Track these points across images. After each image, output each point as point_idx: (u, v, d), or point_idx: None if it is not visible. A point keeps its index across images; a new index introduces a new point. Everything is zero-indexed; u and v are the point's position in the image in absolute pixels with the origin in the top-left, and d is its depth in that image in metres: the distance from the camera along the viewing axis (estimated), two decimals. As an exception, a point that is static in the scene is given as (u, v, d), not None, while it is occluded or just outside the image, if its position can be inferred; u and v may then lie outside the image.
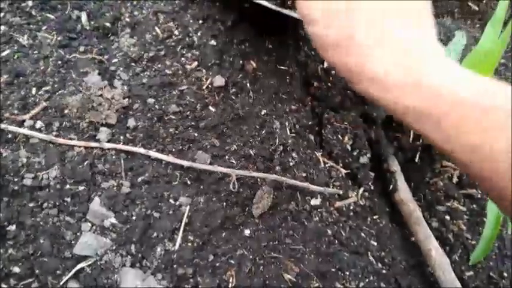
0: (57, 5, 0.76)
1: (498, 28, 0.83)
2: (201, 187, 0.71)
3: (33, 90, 0.69)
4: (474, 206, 0.93)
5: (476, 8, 1.02)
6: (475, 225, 0.92)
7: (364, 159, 0.91)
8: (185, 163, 0.69)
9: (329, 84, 0.92)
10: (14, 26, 0.73)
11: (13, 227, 0.61)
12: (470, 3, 1.02)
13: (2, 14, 0.74)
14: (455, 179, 0.96)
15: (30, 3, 0.75)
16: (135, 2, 0.77)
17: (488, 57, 0.85)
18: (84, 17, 0.75)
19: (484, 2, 1.01)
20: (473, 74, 0.42)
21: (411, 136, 0.97)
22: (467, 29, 1.01)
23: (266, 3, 0.75)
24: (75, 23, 0.75)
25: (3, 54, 0.71)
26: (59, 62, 0.72)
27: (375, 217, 0.88)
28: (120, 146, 0.67)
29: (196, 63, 0.77)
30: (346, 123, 0.92)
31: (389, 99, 0.43)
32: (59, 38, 0.73)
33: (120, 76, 0.72)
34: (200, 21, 0.79)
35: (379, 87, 0.44)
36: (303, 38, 0.92)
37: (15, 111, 0.66)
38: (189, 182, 0.70)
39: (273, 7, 0.75)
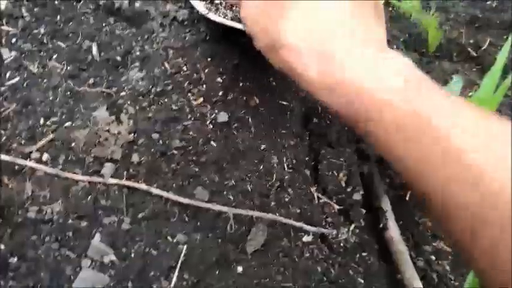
0: (69, 33, 0.77)
1: (497, 78, 0.86)
2: (198, 224, 0.73)
3: (41, 121, 0.70)
4: (459, 247, 0.96)
5: (475, 54, 1.05)
6: (459, 266, 0.95)
7: (357, 196, 0.94)
8: (184, 200, 0.71)
9: (328, 121, 0.94)
10: (25, 52, 0.75)
11: (15, 259, 0.62)
12: (469, 49, 1.05)
13: (14, 40, 0.75)
14: (443, 220, 0.99)
15: (42, 30, 0.77)
16: (146, 37, 0.79)
17: (486, 105, 0.87)
18: (95, 48, 0.77)
19: (483, 48, 1.04)
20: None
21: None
22: (464, 73, 1.03)
23: None
24: (86, 54, 0.76)
25: (13, 81, 0.72)
26: (68, 93, 0.73)
27: (363, 254, 0.91)
28: (123, 182, 0.69)
29: (202, 99, 0.79)
30: (341, 159, 0.94)
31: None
32: (69, 68, 0.75)
33: (127, 110, 0.74)
34: (208, 59, 0.81)
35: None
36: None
37: (23, 142, 0.68)
38: (187, 219, 0.72)
39: None
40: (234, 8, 0.77)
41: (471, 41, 1.05)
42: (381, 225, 0.96)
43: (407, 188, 1.02)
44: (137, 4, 0.79)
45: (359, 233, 0.94)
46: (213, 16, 0.74)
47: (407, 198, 1.02)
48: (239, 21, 0.76)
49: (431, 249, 0.97)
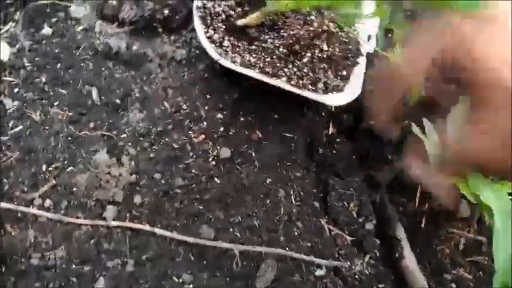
0: (69, 80, 0.79)
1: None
2: (204, 262, 0.71)
3: (44, 167, 0.71)
4: (480, 273, 0.92)
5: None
6: (482, 294, 0.91)
7: (369, 226, 0.91)
8: (189, 239, 0.70)
9: (334, 151, 0.93)
10: (28, 101, 0.76)
11: (19, 308, 0.62)
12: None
13: (16, 90, 0.77)
14: (461, 246, 0.96)
15: (43, 78, 0.78)
16: (145, 78, 0.80)
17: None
18: (95, 92, 0.78)
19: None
20: None
21: (417, 201, 0.97)
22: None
23: (280, 84, 0.78)
24: (86, 99, 0.78)
25: (16, 130, 0.73)
26: (69, 138, 0.74)
27: (380, 286, 0.88)
28: (126, 224, 0.68)
29: (203, 136, 0.79)
30: (351, 189, 0.92)
31: None
32: (70, 114, 0.76)
33: (128, 151, 0.74)
34: (208, 96, 0.81)
35: None
36: (307, 104, 0.93)
37: (25, 189, 0.69)
38: (192, 258, 0.71)
39: (287, 87, 0.78)
40: (240, 52, 0.78)
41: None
42: (397, 255, 0.93)
43: (422, 215, 1.00)
44: (135, 47, 0.81)
45: (374, 264, 0.91)
46: (225, 62, 0.75)
47: (422, 226, 0.99)
48: (247, 66, 0.77)
49: (451, 277, 0.94)
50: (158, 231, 0.70)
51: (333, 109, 0.97)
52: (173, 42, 0.83)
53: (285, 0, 0.71)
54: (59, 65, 0.79)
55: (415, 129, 0.99)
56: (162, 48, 0.82)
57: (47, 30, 0.82)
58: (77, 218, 0.68)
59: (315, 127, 0.94)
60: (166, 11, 0.80)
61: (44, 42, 0.82)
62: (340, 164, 0.94)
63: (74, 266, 0.65)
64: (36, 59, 0.80)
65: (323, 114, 0.96)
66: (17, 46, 0.81)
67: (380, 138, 0.93)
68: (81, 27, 0.81)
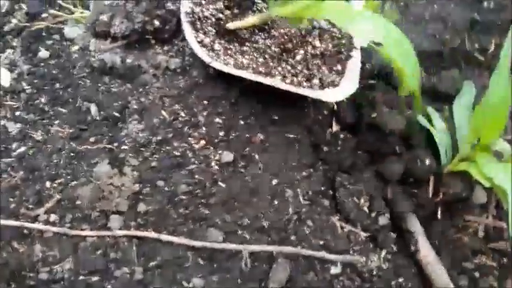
0: (68, 98, 0.80)
1: (505, 74, 0.83)
2: (214, 266, 0.71)
3: (47, 184, 0.72)
4: (504, 260, 0.89)
5: (482, 59, 1.02)
6: (506, 280, 0.88)
7: (383, 220, 0.90)
8: (196, 243, 0.70)
9: (338, 147, 0.92)
10: (29, 123, 0.78)
11: (29, 324, 0.62)
12: (476, 54, 1.02)
13: (18, 113, 0.79)
14: (481, 233, 0.93)
15: (43, 99, 0.80)
16: (141, 90, 0.81)
17: (501, 104, 0.84)
18: (93, 108, 0.79)
19: (490, 51, 1.01)
20: None
21: (430, 191, 0.95)
22: (475, 79, 1.00)
23: (275, 83, 0.78)
24: (85, 115, 0.79)
25: (19, 151, 0.75)
26: (71, 154, 0.75)
27: (400, 280, 0.85)
28: (132, 232, 0.68)
29: (203, 141, 0.79)
30: (360, 184, 0.91)
31: None
32: (70, 131, 0.77)
33: (130, 162, 0.74)
34: (205, 101, 0.81)
35: None
36: (308, 104, 0.93)
37: (30, 206, 0.69)
38: (201, 262, 0.70)
39: (282, 86, 0.78)
40: (232, 54, 0.79)
41: (476, 46, 1.03)
42: (412, 249, 0.91)
43: (437, 205, 0.97)
44: (129, 60, 0.82)
45: (391, 259, 0.89)
46: (217, 65, 0.75)
47: (438, 216, 0.97)
48: (240, 68, 0.78)
49: (473, 266, 0.91)
50: (164, 237, 0.69)
51: (334, 106, 0.97)
52: (166, 52, 0.84)
53: (290, 6, 0.70)
54: (57, 85, 0.81)
55: (421, 118, 0.98)
56: (156, 58, 0.83)
57: (43, 53, 0.84)
58: (82, 230, 0.68)
59: (317, 125, 0.93)
60: (156, 22, 0.82)
61: (41, 64, 0.84)
62: (347, 160, 0.93)
63: (81, 277, 0.65)
64: (35, 81, 0.82)
65: (325, 112, 0.96)
66: (17, 71, 0.83)
67: (384, 131, 0.92)
68: (76, 47, 0.83)
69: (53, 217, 0.69)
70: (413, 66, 0.65)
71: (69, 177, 0.73)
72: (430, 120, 0.97)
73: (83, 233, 0.67)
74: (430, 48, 1.01)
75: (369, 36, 0.77)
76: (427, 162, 0.94)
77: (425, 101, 1.00)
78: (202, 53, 0.75)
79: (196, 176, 0.76)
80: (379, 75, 1.00)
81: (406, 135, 0.98)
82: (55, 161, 0.74)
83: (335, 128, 0.96)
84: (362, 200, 0.90)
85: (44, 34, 0.87)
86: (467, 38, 1.03)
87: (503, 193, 0.79)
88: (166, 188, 0.74)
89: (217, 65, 0.75)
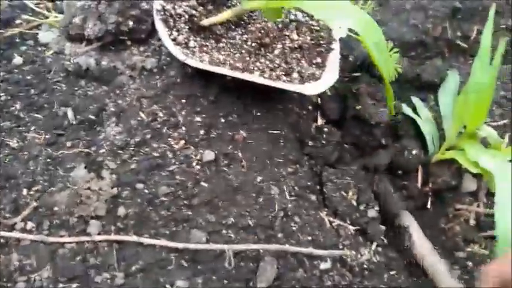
0: (43, 104, 0.79)
1: (486, 60, 0.82)
2: (199, 267, 0.69)
3: (24, 192, 0.70)
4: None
5: (465, 46, 1.01)
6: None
7: (372, 213, 0.88)
8: (179, 245, 0.68)
9: (324, 141, 0.90)
10: (5, 130, 0.76)
11: (8, 335, 0.60)
12: (458, 42, 1.01)
13: (-8, 121, 0.77)
14: (472, 222, 0.92)
15: (18, 106, 0.79)
16: (118, 91, 0.80)
17: (483, 90, 0.83)
18: (70, 112, 0.77)
19: (472, 38, 1.00)
20: None
21: (419, 181, 0.94)
22: (459, 67, 0.99)
23: (253, 78, 0.77)
24: (62, 119, 0.77)
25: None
26: (48, 160, 0.73)
27: (391, 273, 0.84)
28: (111, 237, 0.67)
29: (183, 141, 0.78)
30: (347, 178, 0.90)
31: None
32: (47, 136, 0.76)
33: (108, 165, 0.73)
34: (183, 100, 0.80)
35: None
36: (291, 99, 0.92)
37: (7, 215, 0.68)
38: (185, 264, 0.68)
39: (259, 81, 0.77)
40: (208, 51, 0.77)
41: (458, 34, 1.02)
42: (406, 244, 0.89)
43: (427, 195, 0.96)
44: (104, 62, 0.81)
45: (382, 252, 0.87)
46: (192, 62, 0.74)
47: (428, 206, 0.95)
48: (217, 64, 0.76)
49: (466, 255, 0.89)
50: (146, 240, 0.68)
51: (318, 100, 0.96)
52: (142, 52, 0.83)
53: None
54: (32, 91, 0.80)
55: (406, 108, 0.97)
56: (132, 59, 0.81)
57: (17, 59, 0.82)
58: (61, 236, 0.66)
59: (301, 120, 0.92)
60: (130, 23, 0.80)
61: (15, 71, 0.82)
62: (333, 154, 0.91)
63: (61, 285, 0.63)
64: (9, 88, 0.81)
65: (309, 106, 0.94)
66: (-10, 79, 0.82)
67: (369, 123, 0.91)
68: (50, 52, 0.82)
69: (30, 225, 0.67)
70: (385, 56, 0.64)
71: (46, 183, 0.71)
72: (415, 110, 0.96)
73: (61, 240, 0.65)
74: (412, 38, 1.00)
75: (346, 27, 0.76)
76: (414, 152, 0.93)
77: (410, 91, 0.99)
78: (176, 51, 0.73)
79: (177, 177, 0.75)
80: (362, 67, 0.99)
81: (393, 126, 0.97)
82: (32, 167, 0.73)
83: (320, 122, 0.94)
84: (350, 194, 0.89)
85: (17, 40, 0.85)
86: (449, 26, 1.02)
87: (491, 178, 0.78)
88: (146, 190, 0.72)
89: (192, 62, 0.73)
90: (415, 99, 0.96)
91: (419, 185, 0.94)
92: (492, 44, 0.81)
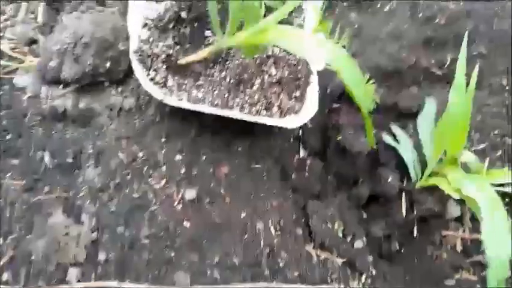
0: (20, 149, 0.77)
1: (462, 87, 0.83)
2: (184, 311, 0.67)
3: (0, 241, 0.68)
4: (484, 273, 0.87)
5: (440, 73, 1.02)
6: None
7: (359, 244, 0.88)
8: (162, 288, 0.67)
9: (307, 174, 0.90)
10: (-20, 179, 0.74)
11: None
12: (433, 70, 1.02)
13: (-34, 173, 0.75)
14: (459, 247, 0.91)
15: (-7, 152, 0.77)
16: (96, 133, 0.79)
17: (459, 116, 0.84)
18: (47, 156, 0.76)
19: (446, 65, 1.02)
20: None
21: (403, 209, 0.93)
22: (436, 94, 1.00)
23: (233, 114, 0.77)
24: (39, 164, 0.76)
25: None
26: (24, 207, 0.71)
27: (382, 305, 0.83)
28: (92, 284, 0.65)
29: (164, 180, 0.76)
30: (332, 209, 0.89)
31: None
32: (23, 182, 0.74)
33: (87, 209, 0.71)
34: (163, 139, 0.79)
35: None
36: (273, 133, 0.92)
37: (-18, 267, 0.65)
38: (169, 308, 0.67)
39: (238, 116, 0.77)
40: (187, 89, 0.77)
41: (432, 62, 1.03)
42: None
43: (412, 223, 0.95)
44: (82, 104, 0.79)
45: (372, 282, 0.86)
46: (170, 101, 0.74)
47: (415, 234, 0.95)
48: (195, 102, 0.76)
49: (454, 283, 0.88)
50: (128, 285, 0.66)
51: (300, 132, 0.96)
52: (120, 93, 0.82)
53: (236, 37, 0.69)
54: (8, 136, 0.78)
55: (386, 137, 0.97)
56: (110, 100, 0.81)
57: (-7, 105, 0.81)
58: (38, 287, 0.64)
59: (284, 153, 0.91)
60: (107, 64, 0.80)
61: (-9, 117, 0.81)
62: (316, 186, 0.91)
63: (39, 338, 0.61)
64: (-16, 134, 0.79)
65: (291, 139, 0.94)
66: (-35, 126, 0.80)
67: (351, 153, 0.91)
68: (27, 96, 0.80)
69: (5, 276, 0.64)
70: (361, 89, 0.64)
71: (23, 231, 0.69)
72: (396, 138, 0.96)
73: (39, 290, 0.63)
74: (388, 67, 1.01)
75: (321, 61, 0.76)
76: (396, 180, 0.93)
77: (389, 119, 1.00)
78: (153, 90, 0.73)
79: (159, 218, 0.73)
80: (341, 97, 1.00)
81: (374, 155, 0.97)
82: (8, 215, 0.70)
83: (302, 154, 0.94)
84: (336, 225, 0.88)
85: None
86: (423, 55, 1.04)
87: (475, 204, 0.78)
88: (127, 233, 0.71)
89: (170, 100, 0.73)
90: (395, 128, 0.97)
91: (404, 213, 0.94)
92: (467, 71, 0.83)
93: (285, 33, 0.68)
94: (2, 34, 0.88)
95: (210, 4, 0.69)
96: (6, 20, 0.90)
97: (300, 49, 0.67)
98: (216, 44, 0.70)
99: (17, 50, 0.87)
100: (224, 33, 0.69)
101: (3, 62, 0.84)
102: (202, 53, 0.73)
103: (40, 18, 0.90)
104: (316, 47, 0.65)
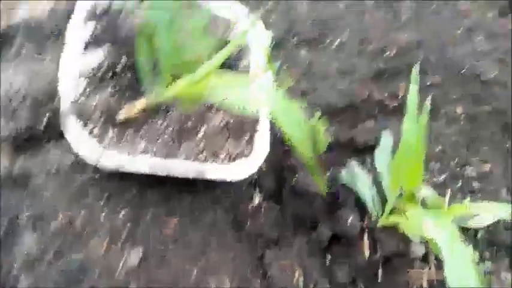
0: None
1: (414, 119, 0.81)
2: None
3: None
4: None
5: (395, 105, 1.01)
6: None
7: (322, 292, 0.84)
8: None
9: (262, 220, 0.86)
10: None
11: None
12: (387, 102, 1.01)
13: None
14: (425, 285, 0.88)
15: None
16: (32, 195, 0.73)
17: (413, 150, 0.81)
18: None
19: (400, 97, 1.01)
20: None
21: (367, 251, 0.90)
22: (391, 127, 0.98)
23: (173, 172, 0.73)
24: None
25: None
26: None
27: None
28: None
29: (106, 243, 0.72)
30: (291, 257, 0.85)
31: None
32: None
33: (20, 284, 0.66)
34: (103, 199, 0.74)
35: None
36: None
37: None
38: None
39: (184, 169, 0.74)
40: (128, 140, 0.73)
41: (386, 94, 1.02)
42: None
43: (376, 265, 0.92)
44: (18, 164, 0.74)
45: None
46: (106, 163, 0.69)
47: (379, 276, 0.91)
48: (136, 153, 0.72)
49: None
50: None
51: (254, 176, 0.92)
52: (58, 151, 0.77)
53: (174, 89, 0.66)
54: None
55: (343, 175, 0.94)
56: (47, 158, 0.76)
57: None
58: None
59: (237, 200, 0.87)
60: (44, 119, 0.75)
61: None
62: (273, 233, 0.86)
63: None
64: None
65: (243, 186, 0.90)
66: None
67: (307, 195, 0.88)
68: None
69: None
70: (303, 134, 0.62)
71: None
72: (353, 175, 0.93)
73: None
74: (342, 103, 0.99)
75: (260, 107, 0.74)
76: (356, 220, 0.90)
77: (346, 155, 0.97)
78: (85, 153, 0.68)
79: (102, 285, 0.68)
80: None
81: (332, 195, 0.94)
82: None
83: (257, 199, 0.90)
84: (296, 274, 0.84)
85: None
86: (376, 88, 1.02)
87: (435, 244, 0.75)
88: (66, 306, 0.65)
89: (106, 162, 0.68)
90: (352, 164, 0.94)
91: (367, 254, 0.90)
92: (421, 101, 0.81)
93: (225, 83, 0.65)
94: None
95: (140, 56, 0.65)
96: None
97: (241, 100, 0.64)
98: (151, 97, 0.67)
99: None
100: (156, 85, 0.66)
101: None
102: (140, 105, 0.69)
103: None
104: (254, 99, 0.62)
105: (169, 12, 0.65)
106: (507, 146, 1.02)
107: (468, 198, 0.96)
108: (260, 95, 0.64)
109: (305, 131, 0.63)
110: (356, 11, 1.13)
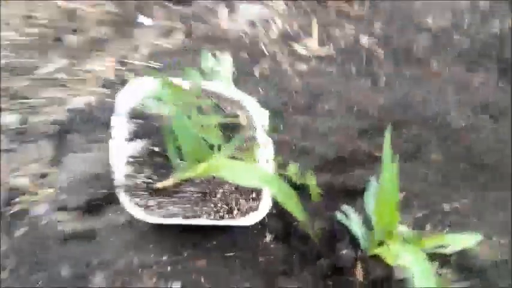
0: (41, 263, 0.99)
1: (391, 171, 1.02)
2: None
3: None
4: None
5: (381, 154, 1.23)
6: None
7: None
8: None
9: (272, 256, 1.09)
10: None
11: None
12: (375, 154, 1.22)
13: None
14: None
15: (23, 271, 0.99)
16: (99, 246, 1.01)
17: (387, 194, 1.02)
18: (65, 269, 0.98)
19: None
20: None
21: (360, 276, 1.11)
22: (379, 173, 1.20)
23: (202, 222, 1.00)
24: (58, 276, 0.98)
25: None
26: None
27: None
28: None
29: (155, 278, 0.98)
30: (299, 284, 1.07)
31: None
32: (46, 293, 0.96)
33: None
34: (151, 245, 1.02)
35: None
36: (241, 229, 1.11)
37: None
38: None
39: (205, 222, 1.00)
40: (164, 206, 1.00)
41: (372, 146, 1.24)
42: None
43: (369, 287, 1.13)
44: (86, 225, 1.03)
45: None
46: (151, 219, 0.97)
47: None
48: (171, 216, 0.99)
49: None
50: None
51: (265, 220, 1.16)
52: (118, 210, 1.05)
53: (195, 171, 0.93)
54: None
55: (338, 216, 1.17)
56: (108, 217, 1.04)
57: (20, 231, 1.05)
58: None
59: (252, 240, 1.12)
60: (102, 191, 1.05)
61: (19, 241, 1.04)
62: (283, 265, 1.09)
63: None
64: (17, 256, 1.01)
65: (255, 229, 1.14)
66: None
67: (308, 235, 1.10)
68: (45, 221, 1.05)
69: None
70: (293, 203, 0.87)
71: None
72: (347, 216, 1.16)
73: None
74: (333, 155, 1.23)
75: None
76: (350, 252, 1.12)
77: (340, 198, 1.20)
78: (136, 213, 0.96)
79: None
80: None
81: (330, 233, 1.17)
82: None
83: (268, 238, 1.14)
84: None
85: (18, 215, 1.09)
86: (364, 142, 1.25)
87: (408, 268, 0.95)
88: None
89: (151, 219, 0.96)
90: (345, 207, 1.16)
91: (360, 279, 1.11)
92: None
93: (232, 169, 0.91)
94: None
95: (169, 147, 0.93)
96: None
97: (246, 180, 0.90)
98: (178, 175, 0.94)
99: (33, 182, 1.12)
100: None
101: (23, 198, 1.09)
102: (171, 181, 0.97)
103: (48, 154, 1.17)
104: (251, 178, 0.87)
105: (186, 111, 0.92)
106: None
107: (446, 229, 1.16)
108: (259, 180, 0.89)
109: (294, 201, 0.88)
110: (341, 80, 1.38)
